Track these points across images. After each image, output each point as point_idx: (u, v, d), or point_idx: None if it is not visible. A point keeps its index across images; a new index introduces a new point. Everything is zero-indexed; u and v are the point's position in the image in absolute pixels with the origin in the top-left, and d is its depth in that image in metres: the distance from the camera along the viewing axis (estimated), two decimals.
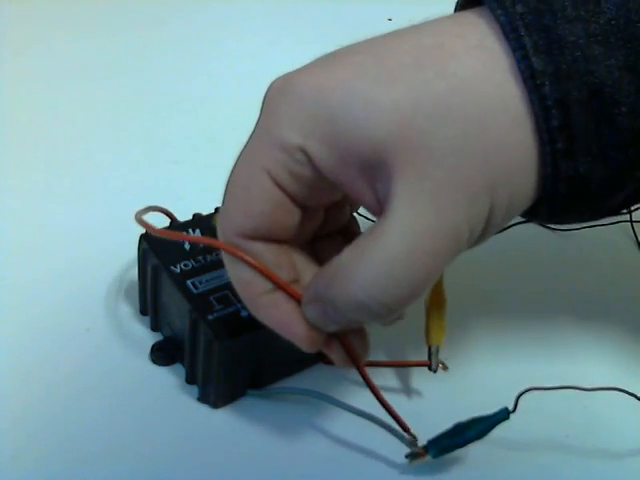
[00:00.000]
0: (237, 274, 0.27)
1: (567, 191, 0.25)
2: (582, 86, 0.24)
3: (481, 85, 0.24)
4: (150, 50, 0.59)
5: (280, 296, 0.27)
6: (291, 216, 0.27)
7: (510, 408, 0.29)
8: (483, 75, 0.24)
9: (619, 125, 0.24)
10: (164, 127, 0.51)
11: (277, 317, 0.27)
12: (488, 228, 0.25)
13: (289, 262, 0.28)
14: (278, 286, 0.27)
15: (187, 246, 0.34)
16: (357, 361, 0.29)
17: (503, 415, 0.29)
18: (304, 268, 0.29)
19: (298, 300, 0.27)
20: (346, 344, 0.28)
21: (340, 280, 0.25)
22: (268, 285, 0.27)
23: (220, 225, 0.27)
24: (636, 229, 0.45)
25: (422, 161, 0.24)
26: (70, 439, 0.31)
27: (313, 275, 0.27)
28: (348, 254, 0.26)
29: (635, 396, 0.31)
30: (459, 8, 0.28)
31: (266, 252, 0.27)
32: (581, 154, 0.24)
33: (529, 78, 0.24)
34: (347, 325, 0.27)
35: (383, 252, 0.24)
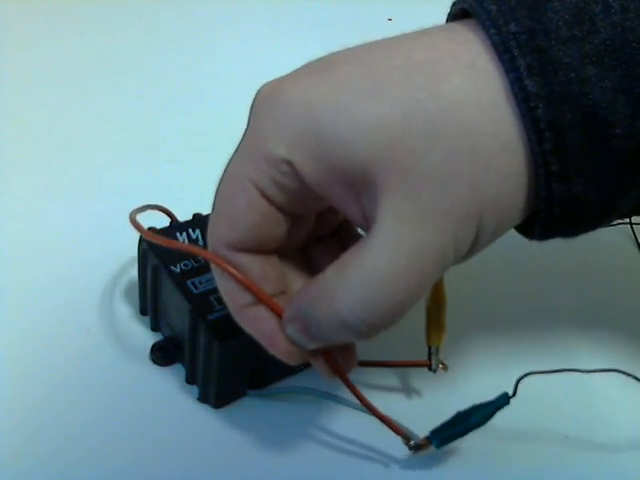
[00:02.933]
0: (223, 285, 0.27)
1: (561, 213, 0.25)
2: (576, 108, 0.23)
3: (472, 107, 0.23)
4: (150, 50, 0.59)
5: (263, 309, 0.27)
6: (278, 226, 0.26)
7: (510, 393, 0.30)
8: (475, 97, 0.23)
9: (614, 147, 0.24)
10: (164, 127, 0.51)
11: (259, 330, 0.27)
12: (474, 248, 0.25)
13: (276, 274, 0.28)
14: (260, 300, 0.27)
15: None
16: (341, 374, 0.29)
17: (503, 400, 0.30)
18: (293, 277, 0.29)
19: (280, 315, 0.27)
20: (328, 358, 0.28)
21: (324, 298, 0.25)
22: (251, 298, 0.27)
23: (208, 235, 0.27)
24: (636, 230, 0.45)
25: (409, 182, 0.23)
26: (70, 439, 0.31)
27: (296, 292, 0.27)
28: (332, 271, 0.25)
29: (634, 377, 0.31)
30: (451, 18, 0.27)
31: (252, 264, 0.27)
32: (575, 176, 0.24)
33: (523, 101, 0.23)
34: (328, 344, 0.27)
35: (368, 271, 0.24)
